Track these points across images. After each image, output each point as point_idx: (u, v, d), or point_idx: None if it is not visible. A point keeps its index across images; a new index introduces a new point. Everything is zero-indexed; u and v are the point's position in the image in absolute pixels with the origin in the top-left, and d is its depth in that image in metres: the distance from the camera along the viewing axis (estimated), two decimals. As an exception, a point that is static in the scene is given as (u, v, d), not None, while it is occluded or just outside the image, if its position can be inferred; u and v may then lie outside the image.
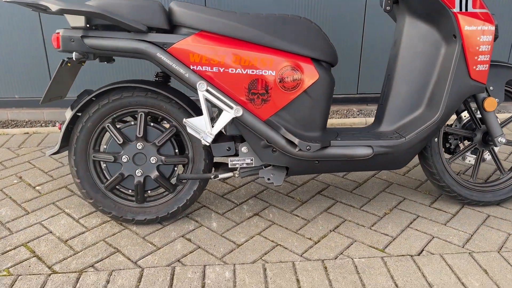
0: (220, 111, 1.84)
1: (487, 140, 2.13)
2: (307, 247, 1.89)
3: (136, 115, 1.95)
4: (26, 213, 2.15)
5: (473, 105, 2.95)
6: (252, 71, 1.79)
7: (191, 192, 2.02)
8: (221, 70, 1.78)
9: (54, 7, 1.64)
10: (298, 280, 1.69)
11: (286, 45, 1.80)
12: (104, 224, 2.06)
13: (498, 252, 1.86)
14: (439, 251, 1.86)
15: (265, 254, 1.85)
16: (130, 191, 2.02)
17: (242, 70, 1.78)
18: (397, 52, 2.01)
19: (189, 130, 1.82)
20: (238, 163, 1.94)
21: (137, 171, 1.97)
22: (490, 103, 2.00)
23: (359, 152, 1.88)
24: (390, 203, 2.25)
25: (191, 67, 1.78)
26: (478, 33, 1.83)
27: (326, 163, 1.93)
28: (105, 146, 1.98)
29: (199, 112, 1.95)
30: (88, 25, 1.75)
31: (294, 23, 1.82)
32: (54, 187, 2.41)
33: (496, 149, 2.21)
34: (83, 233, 1.99)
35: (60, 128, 1.95)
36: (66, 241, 1.94)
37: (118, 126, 1.96)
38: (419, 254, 1.84)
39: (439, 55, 1.92)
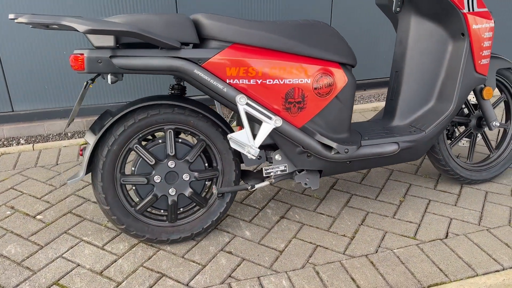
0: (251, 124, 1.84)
1: (481, 125, 2.34)
2: (345, 244, 1.97)
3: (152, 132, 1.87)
4: (39, 247, 1.98)
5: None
6: (289, 81, 1.79)
7: (224, 204, 1.99)
8: (259, 82, 1.76)
9: (82, 28, 1.51)
10: (353, 279, 1.77)
11: (316, 52, 1.82)
12: (134, 248, 1.96)
13: (509, 225, 2.08)
14: (461, 231, 2.04)
15: (310, 257, 1.90)
16: (162, 211, 1.95)
17: (280, 80, 1.78)
18: (405, 50, 2.12)
19: (233, 145, 1.79)
20: (272, 171, 1.95)
21: (170, 190, 1.90)
22: (488, 92, 2.20)
23: (387, 149, 1.98)
24: (400, 190, 2.40)
25: (227, 81, 1.74)
26: (483, 30, 2.00)
27: (356, 162, 2.00)
28: (133, 168, 1.88)
29: (227, 124, 1.92)
30: (117, 45, 1.63)
31: (319, 29, 1.84)
32: (57, 214, 2.23)
33: (487, 131, 2.45)
34: (116, 261, 1.89)
35: (81, 154, 1.81)
36: (101, 272, 1.82)
37: (146, 146, 1.87)
38: (446, 237, 2.01)
39: (446, 52, 2.07)
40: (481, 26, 1.98)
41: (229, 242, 2.00)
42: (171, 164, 1.87)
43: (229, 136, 1.78)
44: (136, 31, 1.55)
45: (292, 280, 1.76)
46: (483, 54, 2.03)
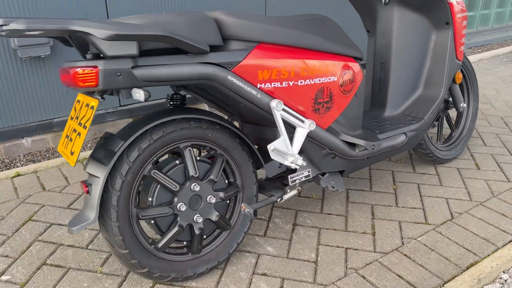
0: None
1: (448, 107, 2.51)
2: (371, 242, 1.93)
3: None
4: None
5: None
6: (319, 80, 1.66)
7: (247, 223, 1.79)
8: (291, 83, 1.60)
9: (103, 33, 1.18)
10: (400, 276, 1.73)
11: (338, 47, 1.72)
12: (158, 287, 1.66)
13: (495, 197, 2.27)
14: (462, 209, 2.16)
15: (346, 262, 1.81)
16: (185, 242, 1.67)
17: (311, 80, 1.64)
18: (390, 42, 2.15)
19: (275, 157, 1.60)
20: (298, 178, 1.81)
21: (196, 217, 1.63)
22: (459, 77, 2.35)
23: (398, 140, 1.98)
24: (388, 178, 2.45)
25: (258, 86, 1.54)
26: (463, 19, 2.12)
27: (372, 157, 1.97)
28: (150, 199, 1.57)
29: (243, 134, 1.72)
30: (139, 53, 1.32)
31: (329, 24, 1.74)
32: (28, 270, 1.77)
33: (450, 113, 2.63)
34: (139, 312, 1.57)
35: (86, 190, 1.45)
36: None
37: (163, 170, 1.57)
38: (452, 218, 2.10)
39: (431, 41, 2.15)
40: (462, 15, 2.10)
41: (257, 262, 1.81)
42: (195, 187, 1.61)
43: (271, 147, 1.58)
44: (169, 35, 1.27)
45: (344, 291, 1.66)
46: (462, 41, 2.16)
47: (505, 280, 1.76)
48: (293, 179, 1.80)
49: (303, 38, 1.62)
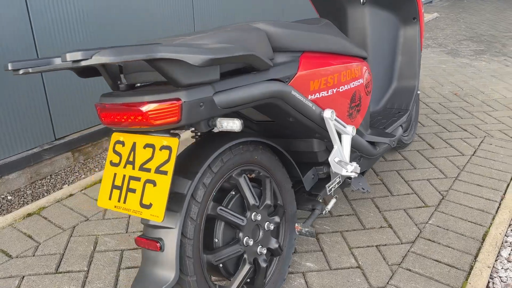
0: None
1: (403, 95, 2.71)
2: (393, 234, 1.99)
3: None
4: None
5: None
6: (353, 84, 1.63)
7: (293, 243, 1.69)
8: (334, 91, 1.54)
9: (197, 59, 1.00)
10: (437, 260, 1.82)
11: (358, 50, 1.72)
12: None
13: (463, 171, 2.53)
14: (446, 187, 2.35)
15: (385, 259, 1.84)
16: (249, 279, 1.50)
17: (348, 85, 1.60)
18: (365, 40, 2.23)
19: (336, 168, 1.51)
20: (333, 186, 1.76)
21: (259, 249, 1.47)
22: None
23: (399, 133, 2.07)
24: (369, 172, 2.55)
25: (309, 97, 1.45)
26: (423, 14, 2.29)
27: (381, 153, 2.02)
28: (216, 240, 1.36)
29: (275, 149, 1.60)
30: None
31: (335, 28, 1.74)
32: None
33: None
34: None
35: (157, 247, 1.19)
36: None
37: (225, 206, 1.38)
38: (444, 197, 2.28)
39: (400, 36, 2.28)
40: (423, 11, 2.27)
41: (307, 282, 1.72)
42: (256, 216, 1.45)
43: (335, 159, 1.50)
44: (255, 54, 1.12)
45: (403, 288, 1.68)
46: (424, 35, 2.34)
47: (511, 242, 1.98)
48: (330, 187, 1.75)
49: (335, 43, 1.57)
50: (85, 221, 2.10)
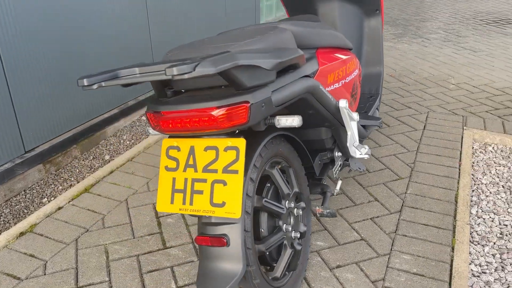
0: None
1: (362, 80, 2.95)
2: (381, 207, 2.21)
3: None
4: None
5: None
6: (353, 75, 1.78)
7: (310, 225, 1.82)
8: (343, 82, 1.68)
9: (270, 63, 1.09)
10: (425, 224, 2.07)
11: (348, 42, 1.87)
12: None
13: (421, 144, 2.84)
14: (411, 160, 2.64)
15: (382, 229, 2.05)
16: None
17: (350, 76, 1.75)
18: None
19: (352, 153, 1.65)
20: (337, 169, 1.92)
21: (293, 235, 1.58)
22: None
23: (377, 114, 2.28)
24: (341, 152, 2.76)
25: (327, 89, 1.58)
26: (383, 6, 2.52)
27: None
28: (262, 230, 1.45)
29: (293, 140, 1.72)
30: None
31: (324, 22, 1.89)
32: None
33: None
34: None
35: (224, 242, 1.26)
36: None
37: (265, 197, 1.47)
38: (412, 169, 2.56)
39: (365, 27, 2.49)
40: (383, 4, 2.50)
41: (324, 259, 1.87)
42: (289, 204, 1.56)
43: (355, 144, 1.64)
44: (304, 54, 1.22)
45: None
46: (384, 26, 2.58)
47: (475, 201, 2.31)
48: (335, 171, 1.91)
49: (337, 37, 1.72)
50: (86, 232, 2.04)
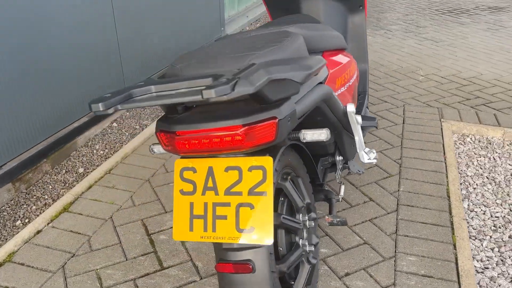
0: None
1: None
2: (377, 207, 2.19)
3: None
4: None
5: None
6: (354, 77, 1.72)
7: (317, 235, 1.75)
8: (347, 85, 1.61)
9: (300, 76, 1.01)
10: (424, 222, 2.07)
11: (344, 42, 1.81)
12: None
13: (402, 138, 2.85)
14: (399, 155, 2.64)
15: (382, 230, 2.02)
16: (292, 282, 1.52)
17: (352, 78, 1.69)
18: (320, 28, 2.34)
19: (361, 158, 1.59)
20: (339, 173, 1.86)
21: (308, 249, 1.51)
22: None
23: (368, 113, 2.24)
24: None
25: (336, 94, 1.51)
26: (367, 2, 2.48)
27: None
28: (280, 249, 1.36)
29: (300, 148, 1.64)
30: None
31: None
32: None
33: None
34: None
35: (249, 268, 1.16)
36: None
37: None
38: (401, 164, 2.56)
39: (349, 23, 2.43)
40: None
41: (331, 267, 1.82)
42: (303, 217, 1.48)
43: (365, 149, 1.58)
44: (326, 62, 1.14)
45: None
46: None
47: (465, 194, 2.34)
48: (337, 175, 1.85)
49: (337, 37, 1.65)
50: (72, 257, 1.87)
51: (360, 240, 1.97)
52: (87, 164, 2.65)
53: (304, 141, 1.22)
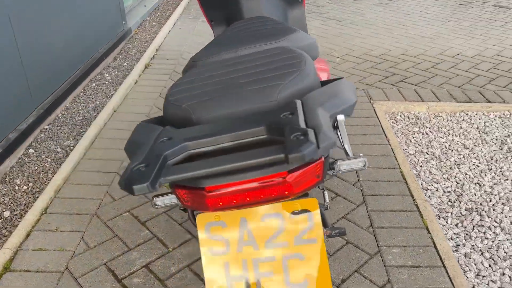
0: None
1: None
2: (346, 202, 2.19)
3: None
4: None
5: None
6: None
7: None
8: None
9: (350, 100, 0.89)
10: (392, 210, 2.12)
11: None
12: None
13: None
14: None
15: (361, 225, 2.03)
16: None
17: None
18: (263, 26, 2.22)
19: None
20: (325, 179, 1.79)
21: None
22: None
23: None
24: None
25: (325, 105, 1.42)
26: (303, -4, 2.41)
27: None
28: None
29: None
30: None
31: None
32: None
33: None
34: None
35: None
36: None
37: None
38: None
39: (290, 18, 2.35)
40: (303, -10, 2.39)
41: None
42: None
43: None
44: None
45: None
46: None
47: (415, 175, 2.45)
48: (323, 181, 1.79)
49: (315, 44, 1.56)
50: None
51: (342, 241, 1.96)
52: (11, 205, 2.24)
53: (340, 172, 1.12)
